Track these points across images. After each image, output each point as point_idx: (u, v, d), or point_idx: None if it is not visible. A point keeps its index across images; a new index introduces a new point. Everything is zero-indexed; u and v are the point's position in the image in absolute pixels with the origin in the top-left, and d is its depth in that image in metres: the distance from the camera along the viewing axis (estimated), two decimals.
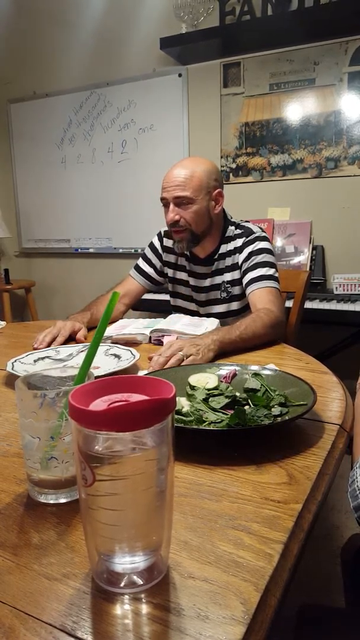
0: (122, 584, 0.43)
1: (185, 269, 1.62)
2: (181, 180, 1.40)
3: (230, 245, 1.53)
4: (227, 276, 1.54)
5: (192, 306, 1.64)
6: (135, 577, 0.43)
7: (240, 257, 1.50)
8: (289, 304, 1.79)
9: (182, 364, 1.02)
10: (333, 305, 2.19)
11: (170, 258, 1.65)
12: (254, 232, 1.51)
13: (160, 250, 1.66)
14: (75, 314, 1.48)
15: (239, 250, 1.51)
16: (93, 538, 0.43)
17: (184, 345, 1.07)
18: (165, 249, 1.65)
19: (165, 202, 1.45)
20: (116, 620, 0.40)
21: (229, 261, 1.53)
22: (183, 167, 1.42)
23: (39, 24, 3.16)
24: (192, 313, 1.63)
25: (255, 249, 1.48)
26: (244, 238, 1.50)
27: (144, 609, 0.41)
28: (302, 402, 0.76)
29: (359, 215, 2.46)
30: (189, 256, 1.61)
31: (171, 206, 1.42)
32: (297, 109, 2.51)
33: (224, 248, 1.54)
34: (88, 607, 0.41)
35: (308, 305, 2.10)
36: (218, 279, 1.56)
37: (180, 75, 2.78)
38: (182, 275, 1.64)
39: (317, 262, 2.50)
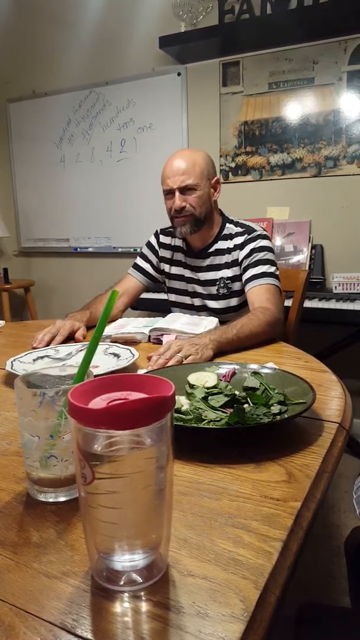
0: (121, 582, 0.43)
1: (180, 263, 1.65)
2: (185, 169, 1.46)
3: (230, 243, 1.54)
4: (228, 272, 1.55)
5: (187, 299, 1.66)
6: (134, 575, 0.43)
7: (241, 254, 1.52)
8: (288, 303, 1.79)
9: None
10: (332, 304, 2.19)
11: (166, 254, 1.67)
12: (255, 230, 1.53)
13: (156, 247, 1.69)
14: (74, 312, 1.48)
15: (239, 247, 1.52)
16: (92, 536, 0.43)
17: (183, 346, 1.07)
18: (162, 245, 1.68)
19: (168, 191, 1.49)
20: (116, 618, 0.40)
21: (228, 258, 1.54)
22: (183, 158, 1.47)
23: (38, 23, 3.16)
24: (188, 307, 1.65)
25: (257, 246, 1.50)
26: (245, 235, 1.52)
27: (144, 606, 0.41)
28: (301, 401, 0.76)
29: (358, 214, 2.45)
30: (184, 249, 1.62)
31: (177, 194, 1.47)
32: (296, 108, 2.50)
33: (222, 244, 1.55)
34: (88, 605, 0.41)
35: (307, 304, 2.10)
36: (214, 275, 1.57)
37: (179, 74, 2.77)
38: (177, 270, 1.66)
39: (317, 261, 2.49)
